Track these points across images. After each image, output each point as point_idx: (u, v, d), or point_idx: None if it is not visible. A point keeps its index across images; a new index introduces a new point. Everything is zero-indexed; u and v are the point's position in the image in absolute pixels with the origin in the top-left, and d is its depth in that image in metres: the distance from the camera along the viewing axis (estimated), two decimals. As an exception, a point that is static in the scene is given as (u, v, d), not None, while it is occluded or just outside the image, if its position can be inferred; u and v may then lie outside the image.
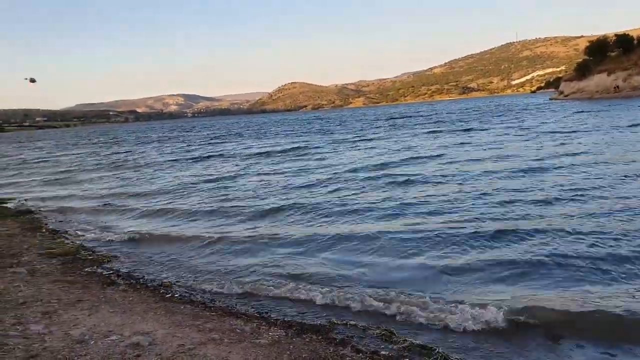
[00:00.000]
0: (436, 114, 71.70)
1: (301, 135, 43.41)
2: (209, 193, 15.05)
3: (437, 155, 19.29)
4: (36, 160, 36.63)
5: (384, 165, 17.75)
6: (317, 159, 22.19)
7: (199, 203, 13.47)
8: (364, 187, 13.78)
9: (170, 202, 14.09)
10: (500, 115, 48.81)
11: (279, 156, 25.32)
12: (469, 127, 34.64)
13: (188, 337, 4.74)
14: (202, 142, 44.01)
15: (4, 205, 14.47)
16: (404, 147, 24.34)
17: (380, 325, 5.33)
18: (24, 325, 4.73)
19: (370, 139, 32.00)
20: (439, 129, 35.79)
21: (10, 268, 7.05)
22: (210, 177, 18.62)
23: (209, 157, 28.15)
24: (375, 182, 14.42)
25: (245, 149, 32.55)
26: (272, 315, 5.85)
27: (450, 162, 17.12)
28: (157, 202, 14.36)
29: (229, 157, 27.47)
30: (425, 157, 19.26)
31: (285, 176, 17.31)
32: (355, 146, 27.83)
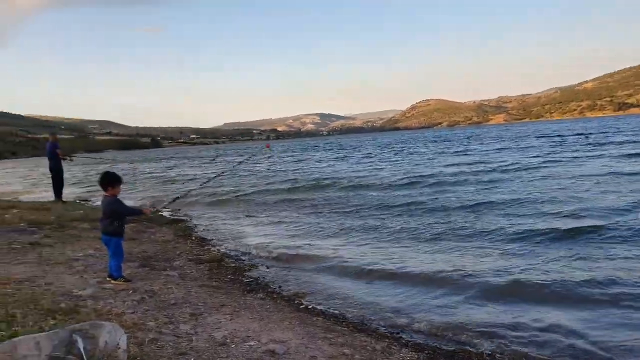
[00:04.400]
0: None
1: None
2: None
3: None
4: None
5: None
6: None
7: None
8: None
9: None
10: None
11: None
12: None
13: (320, 350, 4.82)
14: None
15: (161, 213, 15.98)
16: None
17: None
18: (175, 324, 5.14)
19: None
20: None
21: (164, 271, 7.73)
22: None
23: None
24: None
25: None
26: (403, 337, 5.75)
27: None
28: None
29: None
30: None
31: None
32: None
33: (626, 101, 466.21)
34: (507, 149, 41.20)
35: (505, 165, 25.52)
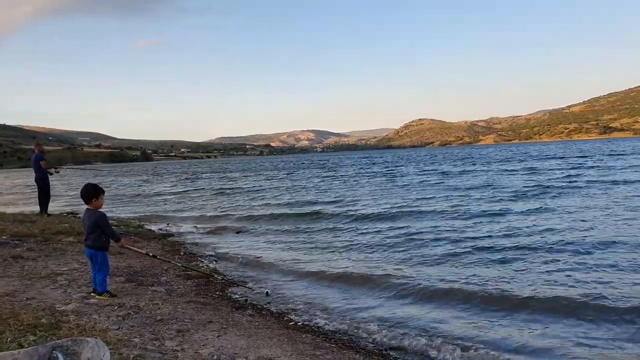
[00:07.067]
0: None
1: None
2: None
3: None
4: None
5: None
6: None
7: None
8: None
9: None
10: None
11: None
12: None
13: (309, 368, 4.71)
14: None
15: (149, 228, 15.80)
16: None
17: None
18: (160, 340, 5.00)
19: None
20: None
21: (151, 287, 7.58)
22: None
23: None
24: None
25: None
26: (391, 354, 5.72)
27: None
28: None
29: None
30: None
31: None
32: None
33: (610, 125, 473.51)
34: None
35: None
